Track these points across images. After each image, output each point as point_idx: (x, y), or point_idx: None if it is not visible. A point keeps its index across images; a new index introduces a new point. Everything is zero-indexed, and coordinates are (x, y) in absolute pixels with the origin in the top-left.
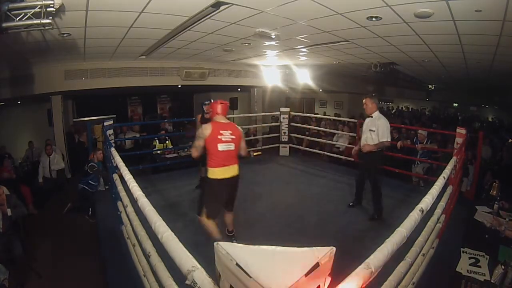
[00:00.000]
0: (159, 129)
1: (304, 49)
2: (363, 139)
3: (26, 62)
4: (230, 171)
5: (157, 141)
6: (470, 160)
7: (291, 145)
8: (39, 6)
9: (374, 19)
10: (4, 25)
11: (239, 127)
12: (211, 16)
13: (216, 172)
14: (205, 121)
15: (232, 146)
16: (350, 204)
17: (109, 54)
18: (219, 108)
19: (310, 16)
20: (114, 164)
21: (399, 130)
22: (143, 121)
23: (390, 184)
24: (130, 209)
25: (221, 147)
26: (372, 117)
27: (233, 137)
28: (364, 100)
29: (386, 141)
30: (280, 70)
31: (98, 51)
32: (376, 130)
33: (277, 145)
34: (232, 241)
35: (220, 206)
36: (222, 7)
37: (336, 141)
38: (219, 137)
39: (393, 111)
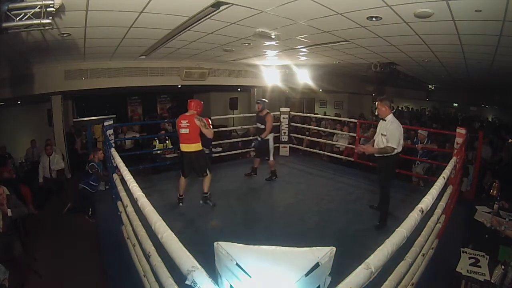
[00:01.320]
0: (159, 129)
1: (304, 49)
2: (376, 142)
3: (26, 62)
4: (187, 147)
5: (157, 141)
6: (470, 160)
7: (291, 145)
8: (39, 6)
9: (374, 19)
10: (4, 25)
11: (198, 119)
12: (211, 16)
13: (180, 146)
14: (257, 116)
15: (187, 131)
16: (375, 206)
17: (109, 54)
18: (188, 104)
19: (310, 16)
20: (114, 164)
21: None
22: (143, 121)
23: (390, 184)
24: (130, 209)
25: (181, 130)
26: (385, 120)
27: (188, 124)
28: (376, 104)
29: (390, 147)
30: (280, 70)
31: (98, 51)
32: (387, 135)
33: (277, 145)
34: (206, 202)
35: (186, 170)
36: (222, 7)
37: (336, 141)
38: (180, 124)
39: (393, 111)
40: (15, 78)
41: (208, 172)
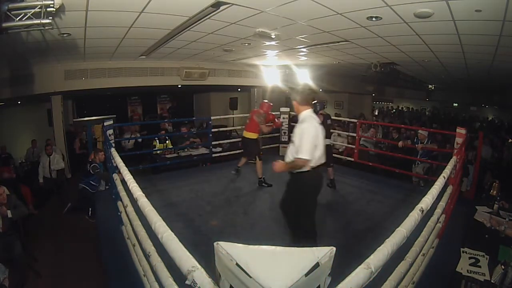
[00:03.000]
0: (159, 129)
1: (304, 49)
2: (286, 154)
3: (26, 62)
4: (244, 133)
5: (157, 141)
6: (470, 160)
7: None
8: (39, 6)
9: (374, 19)
10: (4, 25)
11: (257, 115)
12: (211, 16)
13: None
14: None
15: (248, 122)
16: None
17: (109, 54)
18: (260, 105)
19: (310, 16)
20: (114, 164)
21: (399, 130)
22: (143, 121)
23: (390, 184)
24: (130, 209)
25: (248, 121)
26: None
27: (250, 117)
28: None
29: (301, 159)
30: (280, 70)
31: (98, 51)
32: (294, 141)
33: (277, 145)
34: (261, 185)
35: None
36: (222, 7)
37: (335, 141)
38: (249, 115)
39: (393, 111)
40: (15, 78)
41: (257, 158)
